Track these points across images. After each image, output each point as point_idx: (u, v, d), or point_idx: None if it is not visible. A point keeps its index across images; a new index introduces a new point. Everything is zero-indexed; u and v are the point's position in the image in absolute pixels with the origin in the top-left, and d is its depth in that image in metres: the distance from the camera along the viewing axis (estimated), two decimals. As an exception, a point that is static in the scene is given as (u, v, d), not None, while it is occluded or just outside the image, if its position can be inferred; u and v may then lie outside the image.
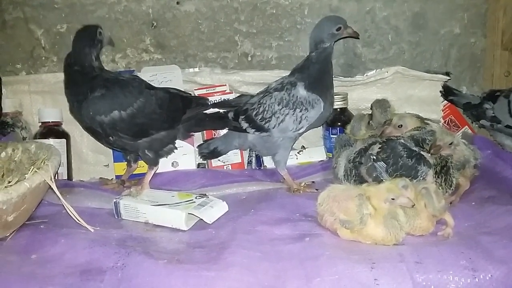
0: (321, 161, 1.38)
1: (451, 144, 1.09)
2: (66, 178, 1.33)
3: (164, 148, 1.20)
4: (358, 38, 1.26)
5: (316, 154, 1.40)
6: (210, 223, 0.99)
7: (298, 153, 1.39)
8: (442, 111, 1.43)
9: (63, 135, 1.34)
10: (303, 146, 1.43)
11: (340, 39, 1.21)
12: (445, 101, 1.41)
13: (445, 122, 1.44)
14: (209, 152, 1.31)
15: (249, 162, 1.42)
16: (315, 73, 1.19)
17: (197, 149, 1.33)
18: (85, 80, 1.11)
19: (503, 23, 1.38)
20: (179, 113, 1.19)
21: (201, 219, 0.99)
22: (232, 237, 0.93)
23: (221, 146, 1.30)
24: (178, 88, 1.28)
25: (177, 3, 1.39)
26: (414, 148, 1.09)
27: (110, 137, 1.13)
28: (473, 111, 1.30)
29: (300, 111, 1.18)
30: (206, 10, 1.40)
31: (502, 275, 0.78)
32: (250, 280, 0.79)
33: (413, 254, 0.82)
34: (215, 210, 1.02)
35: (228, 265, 0.82)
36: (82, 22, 1.36)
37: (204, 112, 1.27)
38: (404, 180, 0.96)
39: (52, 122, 1.33)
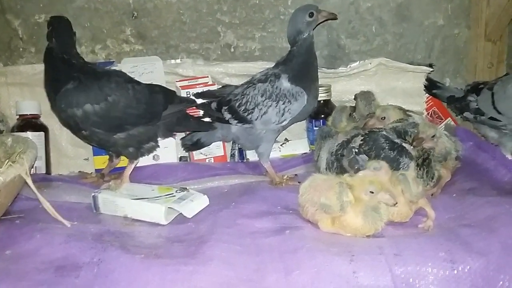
0: (304, 153, 1.37)
1: (433, 136, 1.09)
2: (44, 172, 1.31)
3: (144, 145, 1.17)
4: (336, 19, 1.24)
5: (299, 146, 1.39)
6: (190, 217, 0.98)
7: (281, 145, 1.38)
8: (426, 103, 1.42)
9: (42, 128, 1.31)
10: (286, 139, 1.42)
11: (318, 24, 1.19)
12: (429, 93, 1.41)
13: (428, 114, 1.43)
14: (192, 144, 1.30)
15: (232, 155, 1.41)
16: (299, 66, 1.18)
17: (179, 142, 1.32)
18: (65, 71, 1.09)
19: (487, 14, 1.38)
20: (159, 108, 1.16)
21: (181, 213, 0.98)
22: (212, 231, 0.92)
23: (204, 138, 1.29)
24: (158, 80, 1.27)
25: (158, -8, 1.36)
26: (396, 140, 1.09)
27: (83, 131, 1.11)
28: (457, 104, 1.30)
29: (283, 104, 1.17)
30: (188, 0, 1.38)
31: (480, 267, 0.78)
32: (228, 274, 0.78)
33: (392, 246, 0.82)
34: (195, 204, 1.01)
35: (206, 259, 0.81)
36: (61, 12, 1.35)
37: (187, 112, 1.26)
38: (377, 161, 0.97)
39: (30, 114, 1.30)
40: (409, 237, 0.86)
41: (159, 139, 1.20)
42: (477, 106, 1.24)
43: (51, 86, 1.10)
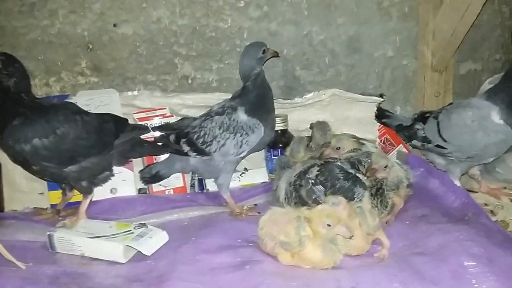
0: (263, 182, 1.39)
1: (386, 167, 1.13)
2: (-4, 209, 1.26)
3: (98, 175, 1.17)
4: (278, 56, 1.29)
5: (258, 175, 1.41)
6: (149, 255, 0.97)
7: (240, 175, 1.40)
8: (378, 130, 1.47)
9: (-6, 163, 1.27)
10: (245, 168, 1.43)
11: (265, 61, 1.23)
12: (381, 122, 1.46)
13: (381, 141, 1.48)
14: (151, 177, 1.29)
15: (192, 185, 1.40)
16: (254, 99, 1.20)
17: (138, 174, 1.30)
18: (13, 108, 1.07)
19: (433, 46, 1.45)
20: (111, 137, 1.16)
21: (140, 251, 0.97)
22: (172, 269, 0.92)
23: (163, 170, 1.28)
24: (115, 112, 1.27)
25: (114, 25, 1.36)
26: (351, 171, 1.13)
27: (33, 166, 1.10)
28: (405, 132, 1.35)
29: (241, 136, 1.19)
30: (144, 33, 1.38)
31: (433, 296, 0.82)
32: (189, 314, 0.78)
33: (349, 278, 0.85)
34: (154, 240, 1.00)
35: (167, 299, 0.81)
36: (13, 45, 1.33)
37: (141, 138, 1.26)
38: (336, 197, 1.00)
39: (-19, 150, 1.26)
40: (365, 269, 0.89)
41: (113, 167, 1.20)
42: (424, 134, 1.30)
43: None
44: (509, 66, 1.20)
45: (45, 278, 0.89)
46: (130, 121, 1.30)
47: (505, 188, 1.35)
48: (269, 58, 1.24)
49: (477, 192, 1.33)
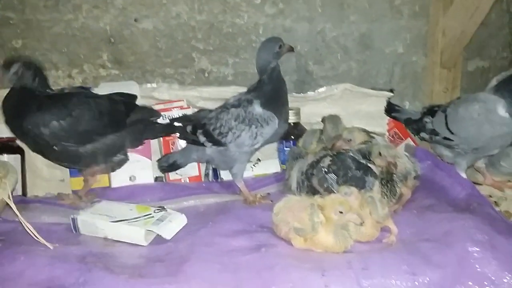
0: (276, 173, 1.44)
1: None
2: (20, 193, 1.32)
3: (113, 156, 1.25)
4: (293, 51, 1.33)
5: (271, 166, 1.46)
6: (169, 238, 1.03)
7: (253, 165, 1.45)
8: (387, 124, 1.52)
9: (18, 150, 1.33)
10: (258, 159, 1.48)
11: (281, 56, 1.28)
12: (390, 116, 1.51)
13: (389, 134, 1.53)
14: (168, 166, 1.34)
15: (206, 175, 1.45)
16: (270, 92, 1.25)
17: (156, 163, 1.36)
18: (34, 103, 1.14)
19: (442, 44, 1.50)
20: (122, 116, 1.24)
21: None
22: (191, 250, 0.97)
23: (180, 160, 1.34)
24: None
25: (135, 20, 1.42)
26: (362, 161, 1.17)
27: (54, 147, 1.17)
28: (414, 126, 1.40)
29: (256, 128, 1.24)
30: (164, 28, 1.44)
31: (438, 278, 0.87)
32: (210, 291, 0.84)
33: (360, 261, 0.89)
34: (174, 224, 1.05)
35: (188, 277, 0.86)
36: (38, 39, 1.39)
37: (154, 121, 1.33)
38: (348, 188, 1.05)
39: (6, 137, 1.31)
40: (375, 252, 0.94)
41: (128, 151, 1.27)
42: (432, 127, 1.34)
43: (17, 118, 1.14)
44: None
45: (73, 257, 0.94)
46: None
47: (509, 181, 1.40)
48: (284, 53, 1.28)
49: (481, 185, 1.38)
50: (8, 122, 1.17)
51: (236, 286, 0.85)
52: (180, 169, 1.38)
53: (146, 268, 0.92)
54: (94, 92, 1.33)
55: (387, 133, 1.53)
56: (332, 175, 1.16)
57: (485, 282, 0.88)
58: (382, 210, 1.02)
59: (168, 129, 1.35)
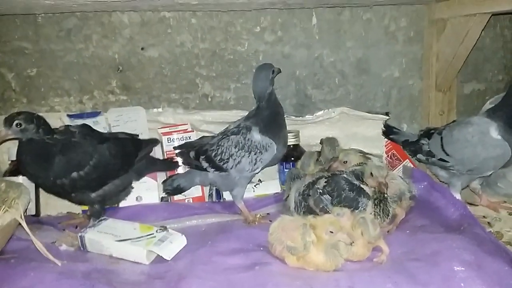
0: (276, 193, 1.49)
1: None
2: (34, 213, 1.40)
3: (123, 191, 1.34)
4: (280, 72, 1.37)
5: (271, 186, 1.51)
6: (169, 259, 1.08)
7: (255, 186, 1.50)
8: (385, 146, 1.57)
9: (32, 172, 1.40)
10: (260, 180, 1.53)
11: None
12: (387, 138, 1.56)
13: (387, 156, 1.58)
14: (172, 189, 1.40)
15: (210, 195, 1.51)
16: (268, 117, 1.31)
17: (161, 184, 1.42)
18: (49, 150, 1.20)
19: (436, 68, 1.55)
20: (132, 157, 1.31)
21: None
22: (190, 268, 1.03)
23: (184, 183, 1.40)
24: (141, 127, 1.43)
25: (142, 49, 1.50)
26: (355, 182, 1.22)
27: (72, 194, 1.25)
28: (411, 147, 1.44)
29: (255, 154, 1.29)
30: (169, 56, 1.52)
31: (422, 296, 0.91)
32: (204, 307, 0.89)
33: (347, 279, 0.94)
34: (174, 245, 1.11)
35: (184, 294, 0.92)
36: (51, 67, 1.48)
37: (153, 157, 1.42)
38: (341, 209, 1.10)
39: (21, 160, 1.39)
40: (363, 271, 0.99)
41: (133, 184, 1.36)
42: (428, 149, 1.38)
43: (34, 165, 1.20)
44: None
45: (79, 273, 1.00)
46: (155, 135, 1.45)
47: (505, 202, 1.42)
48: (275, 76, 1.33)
49: (477, 205, 1.41)
50: (27, 173, 1.23)
51: (229, 302, 0.91)
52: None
53: (146, 284, 0.99)
54: (101, 116, 1.43)
55: (385, 155, 1.58)
56: (327, 196, 1.21)
57: (469, 301, 0.92)
58: (374, 231, 1.06)
59: (167, 165, 1.44)
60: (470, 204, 1.42)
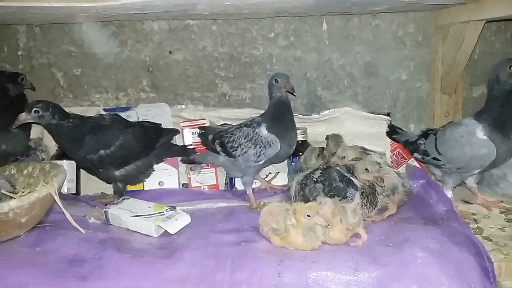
0: (284, 185, 1.63)
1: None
2: (75, 192, 1.63)
3: (144, 173, 1.52)
4: (294, 95, 1.52)
5: (280, 178, 1.66)
6: (173, 233, 1.26)
7: (266, 176, 1.65)
8: (391, 145, 1.66)
9: (74, 157, 1.64)
10: (278, 172, 1.67)
11: (288, 92, 1.45)
12: (394, 136, 1.65)
13: (393, 154, 1.67)
14: (188, 160, 1.60)
15: (226, 184, 1.69)
16: (274, 118, 1.45)
17: (181, 171, 1.63)
18: (80, 130, 1.41)
19: (441, 72, 1.61)
20: (153, 142, 1.50)
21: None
22: (188, 241, 1.20)
23: (198, 158, 1.59)
24: (166, 121, 1.62)
25: (170, 52, 1.70)
26: (346, 174, 1.33)
27: (100, 169, 1.46)
28: (410, 147, 1.53)
29: (260, 148, 1.44)
30: (192, 59, 1.70)
31: (379, 275, 1.02)
32: (189, 271, 1.07)
33: (313, 256, 1.08)
34: (179, 222, 1.29)
35: (176, 260, 1.10)
36: (93, 68, 1.71)
37: (172, 142, 1.60)
38: (324, 198, 1.23)
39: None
40: (330, 251, 1.11)
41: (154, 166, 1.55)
42: (424, 148, 1.46)
43: (68, 143, 1.42)
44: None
45: (96, 240, 1.21)
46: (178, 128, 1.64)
47: (501, 201, 1.47)
48: (287, 92, 1.45)
49: (472, 204, 1.47)
50: (64, 148, 1.47)
51: (211, 269, 1.07)
52: (200, 178, 1.64)
53: (148, 251, 1.17)
54: (132, 110, 1.65)
55: (390, 153, 1.67)
56: (320, 185, 1.33)
57: (424, 283, 1.00)
58: (353, 219, 1.18)
59: (183, 151, 1.61)
60: (466, 202, 1.48)
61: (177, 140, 1.65)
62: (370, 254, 1.09)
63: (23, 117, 1.36)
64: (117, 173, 1.46)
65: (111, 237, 1.25)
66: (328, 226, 1.15)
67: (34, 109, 1.35)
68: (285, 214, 1.17)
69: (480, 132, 1.31)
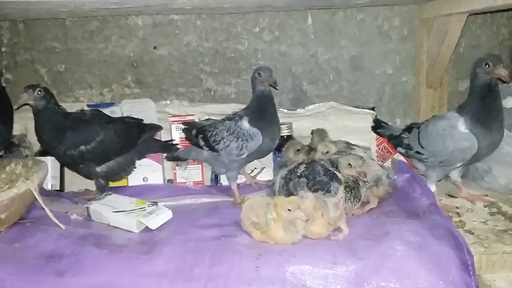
0: (269, 180, 1.63)
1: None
2: (58, 188, 1.63)
3: (125, 170, 1.52)
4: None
5: (266, 174, 1.65)
6: (154, 229, 1.26)
7: (257, 172, 1.64)
8: (376, 139, 1.65)
9: (58, 154, 1.63)
10: (263, 167, 1.66)
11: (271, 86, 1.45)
12: (380, 131, 1.64)
13: (379, 148, 1.66)
14: (172, 157, 1.60)
15: (211, 180, 1.68)
16: (256, 110, 1.45)
17: (166, 167, 1.62)
18: (61, 123, 1.41)
19: (426, 65, 1.61)
20: (135, 138, 1.50)
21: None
22: (169, 236, 1.20)
23: (182, 154, 1.59)
24: (150, 117, 1.62)
25: (154, 48, 1.69)
26: (330, 168, 1.33)
27: (80, 165, 1.45)
28: (394, 141, 1.53)
29: (242, 141, 1.43)
30: (177, 54, 1.70)
31: (357, 268, 1.02)
32: (167, 265, 1.06)
33: (292, 250, 1.07)
34: (160, 217, 1.28)
35: (155, 255, 1.10)
36: (77, 63, 1.70)
37: (155, 138, 1.59)
38: (305, 192, 1.22)
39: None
40: (310, 245, 1.11)
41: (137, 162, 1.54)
42: (407, 142, 1.46)
43: (50, 135, 1.41)
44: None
45: (76, 236, 1.20)
46: (164, 124, 1.63)
47: (486, 195, 1.47)
48: (265, 81, 1.43)
49: (457, 198, 1.47)
50: (44, 142, 1.45)
51: (190, 263, 1.06)
52: (186, 174, 1.63)
53: (128, 247, 1.16)
54: (116, 106, 1.64)
55: (375, 147, 1.66)
56: (304, 179, 1.32)
57: (403, 276, 1.00)
58: (334, 213, 1.17)
59: (166, 147, 1.60)
60: (451, 196, 1.48)
61: (164, 136, 1.64)
62: (349, 248, 1.09)
63: (26, 97, 1.35)
64: (98, 169, 1.46)
65: (91, 233, 1.25)
66: (308, 221, 1.15)
67: (38, 89, 1.35)
68: (266, 208, 1.17)
69: (461, 126, 1.31)
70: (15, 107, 1.38)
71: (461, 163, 1.36)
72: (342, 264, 1.02)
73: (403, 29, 1.66)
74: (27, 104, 1.39)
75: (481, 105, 1.28)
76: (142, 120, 1.58)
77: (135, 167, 1.55)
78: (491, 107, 1.28)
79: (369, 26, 1.66)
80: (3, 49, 1.71)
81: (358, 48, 1.68)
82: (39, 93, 1.36)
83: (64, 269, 1.05)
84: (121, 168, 1.50)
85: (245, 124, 1.44)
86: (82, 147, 1.40)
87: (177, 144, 1.60)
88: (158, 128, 1.59)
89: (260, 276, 1.01)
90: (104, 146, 1.42)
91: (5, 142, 1.56)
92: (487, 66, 1.27)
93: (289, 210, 1.15)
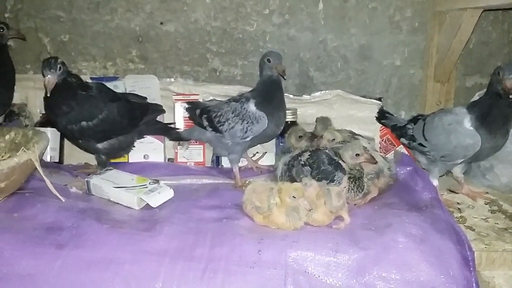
0: (271, 165, 1.62)
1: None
2: (57, 160, 1.61)
3: (124, 149, 1.50)
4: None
5: (268, 158, 1.64)
6: (155, 207, 1.25)
7: (260, 157, 1.63)
8: (380, 131, 1.64)
9: (58, 125, 1.61)
10: (265, 152, 1.66)
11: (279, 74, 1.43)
12: (385, 122, 1.63)
13: (382, 140, 1.65)
14: (175, 137, 1.58)
15: (212, 161, 1.67)
16: (263, 94, 1.43)
17: (167, 144, 1.60)
18: (70, 94, 1.36)
19: (436, 59, 1.60)
20: (137, 120, 1.47)
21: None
22: (169, 215, 1.19)
23: (184, 134, 1.57)
24: (154, 94, 1.58)
25: (161, 23, 1.66)
26: (335, 158, 1.32)
27: (79, 140, 1.42)
28: (398, 132, 1.52)
29: (247, 123, 1.42)
30: (184, 31, 1.67)
31: (358, 258, 1.02)
32: (168, 244, 1.05)
33: (294, 236, 1.07)
34: (161, 196, 1.27)
35: (156, 232, 1.09)
36: (81, 34, 1.67)
37: (157, 120, 1.56)
38: (310, 180, 1.21)
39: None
40: (313, 233, 1.10)
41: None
42: (412, 133, 1.45)
43: (55, 107, 1.37)
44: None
45: (76, 209, 1.18)
46: (167, 102, 1.60)
47: (487, 193, 1.47)
48: (274, 67, 1.41)
49: (458, 193, 1.47)
50: (50, 114, 1.41)
51: (190, 244, 1.06)
52: (187, 154, 1.62)
53: (128, 223, 1.15)
54: (120, 81, 1.61)
55: (379, 139, 1.66)
56: (308, 168, 1.32)
57: (404, 268, 1.01)
58: (336, 202, 1.17)
59: (166, 131, 1.58)
60: (452, 191, 1.48)
61: (167, 115, 1.62)
62: (351, 237, 1.08)
63: (52, 80, 1.30)
64: (99, 146, 1.43)
65: (91, 207, 1.23)
66: (312, 210, 1.14)
67: (59, 65, 1.31)
68: (269, 193, 1.16)
69: (468, 123, 1.31)
70: (48, 94, 1.32)
71: (462, 160, 1.36)
72: (344, 252, 1.02)
73: (414, 20, 1.64)
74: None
75: (490, 110, 1.27)
76: (146, 98, 1.56)
77: (134, 146, 1.53)
78: (498, 115, 1.28)
79: (381, 15, 1.64)
80: (6, 15, 1.67)
81: (367, 37, 1.66)
82: (61, 68, 1.32)
83: (64, 242, 1.04)
84: (121, 147, 1.48)
85: (251, 106, 1.43)
86: (84, 123, 1.37)
87: (178, 128, 1.58)
88: (161, 111, 1.56)
89: (261, 259, 1.01)
90: (106, 124, 1.39)
91: (5, 106, 1.53)
92: (498, 75, 1.26)
93: (294, 197, 1.14)
